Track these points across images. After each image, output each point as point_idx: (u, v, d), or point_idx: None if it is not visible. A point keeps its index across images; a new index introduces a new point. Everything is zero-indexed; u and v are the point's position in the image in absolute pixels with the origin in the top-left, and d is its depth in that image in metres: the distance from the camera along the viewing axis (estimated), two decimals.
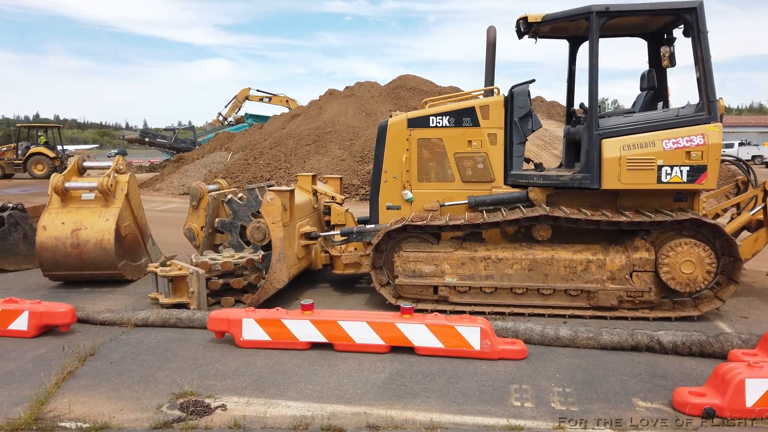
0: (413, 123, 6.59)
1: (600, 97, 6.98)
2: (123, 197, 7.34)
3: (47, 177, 29.91)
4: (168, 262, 6.58)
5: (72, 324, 5.51)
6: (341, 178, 8.30)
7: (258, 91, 42.50)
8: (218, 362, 4.75)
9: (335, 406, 3.94)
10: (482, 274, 5.93)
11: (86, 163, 7.72)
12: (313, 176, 7.56)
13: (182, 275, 6.20)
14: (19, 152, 29.68)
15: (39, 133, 31.84)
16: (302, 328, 4.98)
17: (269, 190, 6.21)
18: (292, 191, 6.35)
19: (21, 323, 5.37)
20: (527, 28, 6.39)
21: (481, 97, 6.77)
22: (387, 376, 4.43)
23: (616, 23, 6.34)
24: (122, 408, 3.90)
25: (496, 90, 6.65)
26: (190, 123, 41.60)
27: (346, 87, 26.70)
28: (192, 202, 7.74)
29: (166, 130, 42.54)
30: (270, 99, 43.37)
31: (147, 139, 39.04)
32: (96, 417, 3.77)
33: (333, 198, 7.41)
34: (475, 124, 6.45)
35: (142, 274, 7.76)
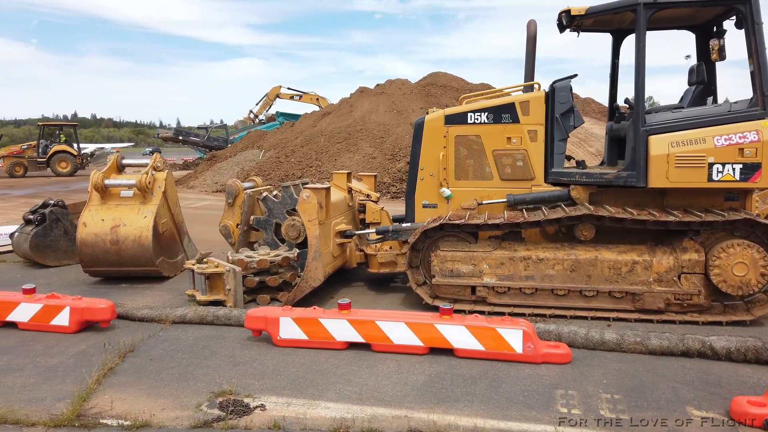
0: (450, 120, 6.46)
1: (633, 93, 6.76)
2: (160, 194, 7.40)
3: (71, 174, 30.57)
4: (204, 260, 6.60)
5: (112, 320, 5.56)
6: (375, 176, 8.21)
7: (289, 89, 42.73)
8: (256, 361, 4.72)
9: (375, 409, 3.86)
10: (522, 275, 5.77)
11: (125, 161, 7.81)
12: (348, 174, 7.49)
13: (219, 273, 6.20)
14: (40, 150, 30.14)
15: (59, 132, 32.36)
16: (339, 328, 4.92)
17: (305, 188, 6.16)
18: (328, 189, 6.29)
19: (62, 319, 5.44)
20: (569, 21, 6.20)
21: (520, 92, 6.60)
22: (427, 379, 4.33)
23: (663, 15, 6.09)
24: (163, 406, 3.90)
25: (536, 85, 6.47)
26: (222, 121, 42.13)
27: (377, 85, 26.63)
28: (228, 200, 7.77)
29: (199, 128, 43.21)
30: (300, 97, 43.60)
31: (181, 138, 39.73)
32: (137, 415, 3.77)
33: (368, 196, 7.34)
34: (515, 120, 6.29)
35: (178, 270, 7.82)
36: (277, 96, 42.82)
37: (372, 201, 7.25)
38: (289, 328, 5.01)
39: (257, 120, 43.21)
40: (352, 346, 4.94)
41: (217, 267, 6.27)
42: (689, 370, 4.45)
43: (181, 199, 20.62)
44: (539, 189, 6.30)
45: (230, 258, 6.51)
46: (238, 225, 7.78)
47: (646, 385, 4.19)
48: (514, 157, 6.33)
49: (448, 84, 26.66)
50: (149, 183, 7.28)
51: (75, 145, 31.71)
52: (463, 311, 5.74)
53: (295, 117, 40.40)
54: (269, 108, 43.21)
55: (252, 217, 7.69)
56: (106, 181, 7.26)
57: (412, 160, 6.65)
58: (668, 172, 5.55)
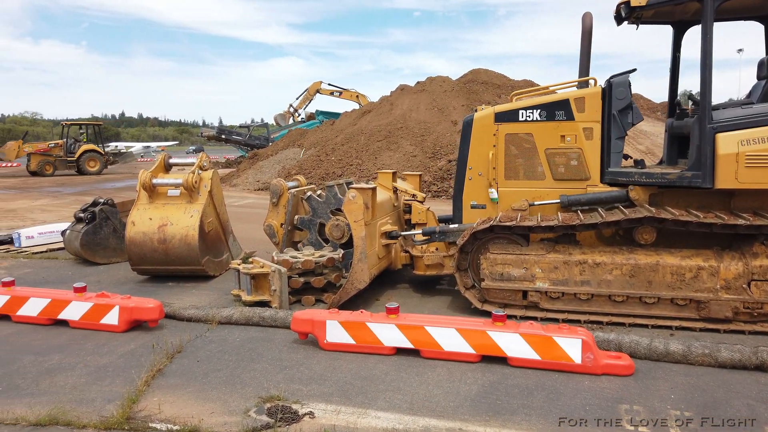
0: (501, 117, 6.24)
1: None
2: (206, 194, 7.42)
3: (99, 173, 30.62)
4: (250, 260, 6.57)
5: (160, 320, 5.57)
6: (420, 175, 8.05)
7: (329, 85, 42.81)
8: (303, 365, 4.63)
9: (428, 420, 3.70)
10: (577, 280, 5.51)
11: (171, 160, 7.87)
12: (393, 173, 7.34)
13: (264, 273, 6.16)
14: (66, 149, 30.04)
15: (81, 131, 32.33)
16: (387, 333, 4.77)
17: (351, 188, 6.04)
18: (374, 189, 6.16)
19: (112, 318, 5.48)
20: (629, 12, 5.88)
21: (574, 89, 6.31)
22: (480, 389, 4.15)
23: (730, 5, 5.71)
24: (211, 411, 3.84)
25: (592, 81, 6.18)
26: (262, 120, 42.64)
27: (418, 82, 26.41)
28: (272, 199, 7.73)
29: (240, 127, 43.87)
30: (340, 93, 43.55)
31: (223, 136, 40.43)
32: (186, 419, 3.71)
33: (414, 196, 7.17)
34: (570, 117, 6.01)
35: (223, 270, 7.84)
36: (317, 91, 42.91)
37: (418, 201, 7.09)
38: (336, 331, 4.90)
39: (296, 113, 43.31)
40: (400, 351, 4.79)
41: (263, 267, 6.23)
42: (765, 386, 4.13)
43: (224, 198, 20.85)
44: (595, 189, 6.01)
45: (275, 258, 6.47)
46: (282, 225, 7.74)
47: (719, 401, 3.90)
48: (568, 156, 6.06)
49: (489, 81, 26.23)
50: (195, 182, 7.30)
51: (99, 145, 31.96)
52: (514, 317, 5.52)
53: (334, 116, 40.59)
54: (308, 103, 43.35)
55: (296, 217, 7.64)
56: (154, 180, 7.32)
57: (460, 160, 6.46)
58: (737, 172, 5.20)
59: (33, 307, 5.68)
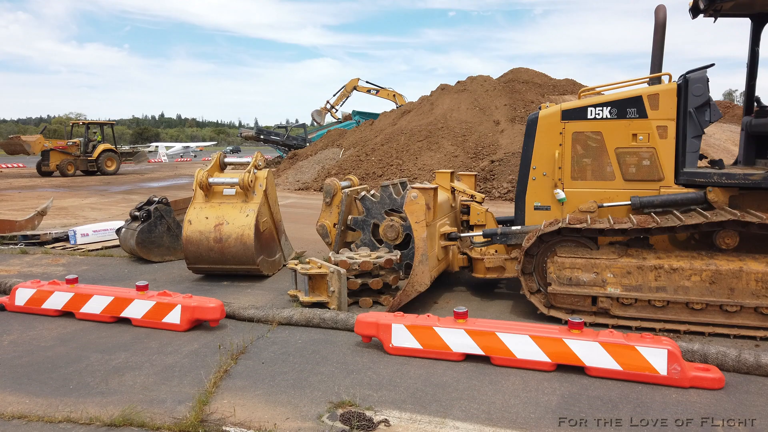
0: (568, 115, 6.00)
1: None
2: (261, 193, 7.39)
3: (115, 173, 30.55)
4: (307, 260, 6.50)
5: (221, 320, 5.54)
6: (476, 175, 7.84)
7: (367, 83, 42.72)
8: (370, 369, 4.51)
9: None
10: (652, 286, 5.24)
11: (227, 159, 7.87)
12: (452, 173, 7.16)
13: (322, 274, 6.07)
14: (83, 149, 29.88)
15: (94, 131, 31.80)
16: (456, 338, 4.61)
17: (412, 188, 5.90)
18: (435, 189, 6.00)
19: (174, 317, 5.47)
20: (708, 4, 5.58)
21: (645, 85, 6.03)
22: (560, 400, 3.95)
23: None
24: (284, 416, 3.74)
25: (666, 77, 5.89)
26: (297, 121, 42.93)
27: (458, 82, 26.13)
28: (325, 199, 7.66)
29: (278, 127, 44.25)
30: (377, 92, 43.37)
31: (262, 137, 40.81)
32: (259, 423, 3.63)
33: (472, 196, 6.98)
34: (642, 115, 5.74)
35: (276, 269, 7.81)
36: (354, 89, 42.89)
37: (476, 202, 6.90)
38: (402, 335, 4.76)
39: (333, 110, 43.38)
40: (469, 358, 4.63)
41: (320, 268, 6.14)
42: None
43: None
44: (669, 191, 5.72)
45: (333, 259, 6.37)
46: (335, 225, 7.66)
47: None
48: (639, 156, 5.79)
49: (530, 80, 25.76)
50: (251, 182, 7.28)
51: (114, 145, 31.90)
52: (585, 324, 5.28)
53: (372, 116, 40.65)
54: (345, 100, 43.34)
55: (349, 217, 7.55)
56: (210, 179, 7.33)
57: (523, 159, 6.24)
58: None
59: (96, 304, 5.72)
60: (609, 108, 5.84)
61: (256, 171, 7.47)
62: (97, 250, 9.37)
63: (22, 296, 6.02)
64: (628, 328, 5.25)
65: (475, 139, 21.25)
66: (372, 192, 7.60)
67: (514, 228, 6.18)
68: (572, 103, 6.06)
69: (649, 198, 5.69)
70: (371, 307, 6.23)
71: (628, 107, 5.77)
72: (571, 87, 27.19)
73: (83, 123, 32.75)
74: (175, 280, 7.52)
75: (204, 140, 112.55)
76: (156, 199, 8.68)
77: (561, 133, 6.03)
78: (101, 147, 30.54)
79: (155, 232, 8.43)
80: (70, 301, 5.84)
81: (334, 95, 42.82)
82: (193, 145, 74.56)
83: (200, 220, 7.17)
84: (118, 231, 9.41)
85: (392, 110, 28.42)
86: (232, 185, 7.36)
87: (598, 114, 5.88)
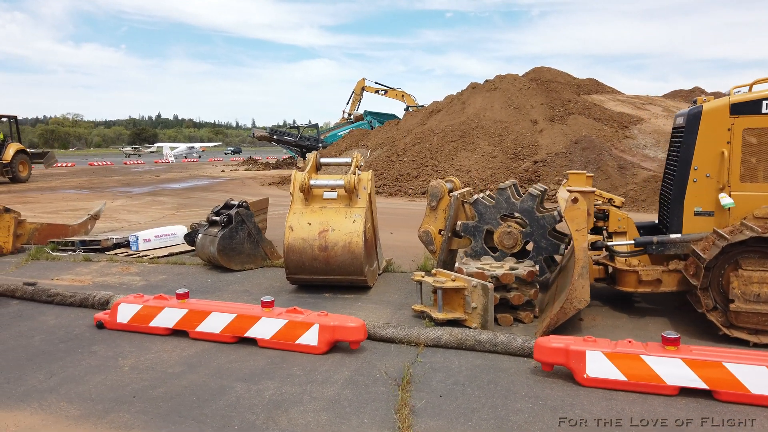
0: (739, 109, 5.36)
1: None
2: (366, 196, 6.73)
3: (26, 180, 24.51)
4: (433, 271, 5.85)
5: (363, 341, 4.87)
6: (592, 176, 7.18)
7: (375, 83, 42.44)
8: (574, 405, 3.85)
9: None
10: None
11: (323, 160, 7.20)
12: (589, 175, 6.47)
13: (458, 287, 5.42)
14: None
15: None
16: (670, 368, 3.96)
17: (571, 191, 5.25)
18: (593, 193, 5.35)
19: (310, 337, 4.79)
20: None
21: None
22: None
23: None
24: None
25: None
26: (310, 121, 42.45)
27: (486, 80, 25.53)
28: (431, 203, 7.01)
29: (291, 128, 43.59)
30: (386, 92, 43.31)
31: (276, 137, 40.15)
32: None
33: (610, 200, 6.33)
34: None
35: (375, 279, 7.14)
36: (363, 89, 42.64)
37: (615, 206, 6.24)
38: (600, 364, 4.11)
39: (350, 116, 43.58)
40: (685, 391, 3.98)
41: (455, 281, 5.49)
42: None
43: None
44: None
45: (465, 270, 5.72)
46: (440, 231, 7.01)
47: None
48: None
49: (553, 79, 25.13)
50: (356, 184, 6.61)
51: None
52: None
53: (387, 116, 40.46)
54: (359, 103, 43.17)
55: (458, 223, 6.90)
56: (312, 182, 6.66)
57: (682, 158, 5.60)
58: None
59: (215, 322, 5.05)
60: None
61: (359, 172, 6.80)
62: (164, 257, 8.68)
63: (125, 312, 5.34)
64: None
65: (512, 139, 20.63)
66: (482, 195, 6.95)
67: (673, 236, 5.53)
68: (743, 95, 5.42)
69: None
70: (512, 325, 5.58)
71: None
72: (595, 86, 26.65)
73: None
74: (269, 290, 6.83)
75: (203, 140, 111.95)
76: (234, 202, 8.00)
77: (729, 130, 5.39)
78: (13, 147, 24.21)
79: (236, 239, 7.75)
80: (184, 318, 5.17)
81: (347, 103, 43.06)
82: (197, 145, 73.80)
83: (302, 227, 6.49)
84: (187, 236, 8.73)
85: (418, 110, 27.79)
86: (333, 188, 6.69)
87: None
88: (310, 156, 7.12)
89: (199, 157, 65.39)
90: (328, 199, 6.75)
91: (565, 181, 6.75)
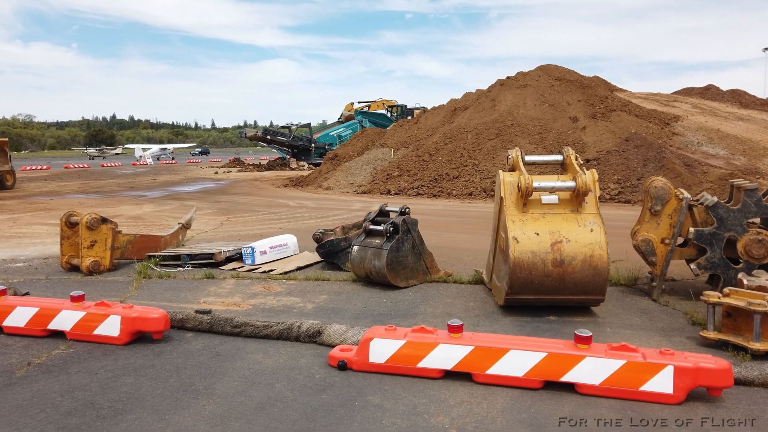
0: None
1: None
2: (594, 201, 5.70)
3: (11, 188, 22.45)
4: (726, 290, 4.87)
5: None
6: None
7: (359, 102, 45.78)
8: None
9: None
10: None
11: (528, 158, 6.14)
12: None
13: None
14: None
15: None
16: None
17: None
18: None
19: (662, 383, 3.73)
20: None
21: None
22: None
23: None
24: None
25: None
26: (300, 123, 41.75)
27: (508, 77, 24.84)
28: (654, 206, 6.06)
29: (282, 127, 42.20)
30: (369, 107, 46.17)
31: (269, 137, 38.72)
32: None
33: None
34: None
35: None
36: (351, 112, 44.73)
37: None
38: None
39: (341, 117, 45.52)
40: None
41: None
42: None
43: (336, 202, 19.40)
44: None
45: (752, 284, 4.77)
46: (663, 240, 6.07)
47: None
48: None
49: (562, 77, 24.56)
50: (591, 185, 5.59)
51: None
52: None
53: (377, 116, 42.95)
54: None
55: (691, 230, 5.97)
56: (536, 183, 5.59)
57: None
58: None
59: (516, 363, 3.92)
60: None
61: (585, 172, 5.77)
62: (291, 271, 7.43)
63: (380, 350, 4.16)
64: None
65: (554, 137, 19.93)
66: (707, 198, 6.04)
67: None
68: None
69: None
70: None
71: None
72: (603, 85, 26.33)
73: None
74: (474, 312, 5.71)
75: (161, 142, 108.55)
76: (396, 209, 6.84)
77: None
78: None
79: (402, 251, 6.59)
80: (468, 357, 4.03)
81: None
82: (169, 146, 71.11)
83: (529, 238, 5.41)
84: (319, 248, 7.52)
85: (440, 107, 26.84)
86: (562, 190, 5.64)
87: None
88: (513, 153, 6.04)
89: (173, 158, 62.81)
90: (547, 204, 5.69)
91: None
